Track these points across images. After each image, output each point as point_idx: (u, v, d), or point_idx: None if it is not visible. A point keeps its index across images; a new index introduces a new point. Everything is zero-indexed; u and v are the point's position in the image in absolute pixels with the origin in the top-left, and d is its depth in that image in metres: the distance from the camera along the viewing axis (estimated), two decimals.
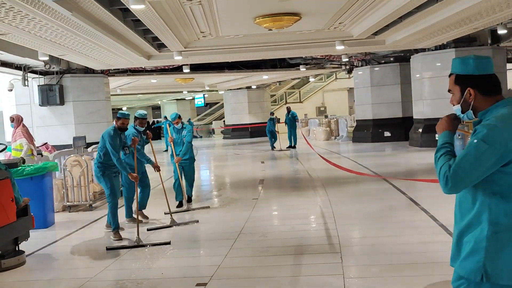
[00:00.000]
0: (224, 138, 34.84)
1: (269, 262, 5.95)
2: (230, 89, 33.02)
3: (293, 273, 5.50)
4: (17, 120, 10.25)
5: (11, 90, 16.56)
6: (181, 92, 34.91)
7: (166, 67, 19.22)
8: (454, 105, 2.62)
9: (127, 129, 7.92)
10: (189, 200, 9.80)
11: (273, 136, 22.05)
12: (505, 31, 14.13)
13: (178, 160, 9.37)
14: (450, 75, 2.63)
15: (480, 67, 2.54)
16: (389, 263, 5.62)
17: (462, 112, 2.60)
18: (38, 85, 15.95)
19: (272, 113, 23.57)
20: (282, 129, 22.72)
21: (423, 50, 17.02)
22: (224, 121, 36.80)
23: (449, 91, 2.65)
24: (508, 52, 18.64)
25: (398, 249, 6.12)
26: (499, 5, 9.86)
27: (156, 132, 34.91)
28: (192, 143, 9.62)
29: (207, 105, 44.44)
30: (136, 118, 8.45)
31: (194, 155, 9.89)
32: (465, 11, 10.19)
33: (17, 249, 6.25)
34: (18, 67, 14.86)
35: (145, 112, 8.76)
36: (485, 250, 2.36)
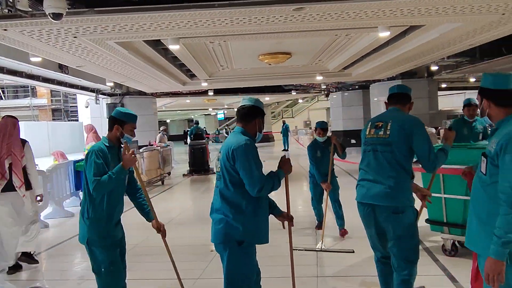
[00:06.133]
0: None
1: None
2: None
3: None
4: (88, 129, 10.08)
5: (87, 107, 16.61)
6: (207, 109, 34.81)
7: (197, 91, 19.15)
8: None
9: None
10: None
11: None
12: (436, 67, 14.02)
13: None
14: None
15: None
16: None
17: None
18: (106, 103, 15.97)
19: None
20: (278, 137, 22.49)
21: (379, 80, 16.81)
22: None
23: None
24: (439, 83, 18.43)
25: None
26: (432, 48, 9.74)
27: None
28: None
29: (226, 118, 44.33)
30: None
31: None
32: (408, 52, 10.09)
33: None
34: (92, 90, 14.92)
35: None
36: None
